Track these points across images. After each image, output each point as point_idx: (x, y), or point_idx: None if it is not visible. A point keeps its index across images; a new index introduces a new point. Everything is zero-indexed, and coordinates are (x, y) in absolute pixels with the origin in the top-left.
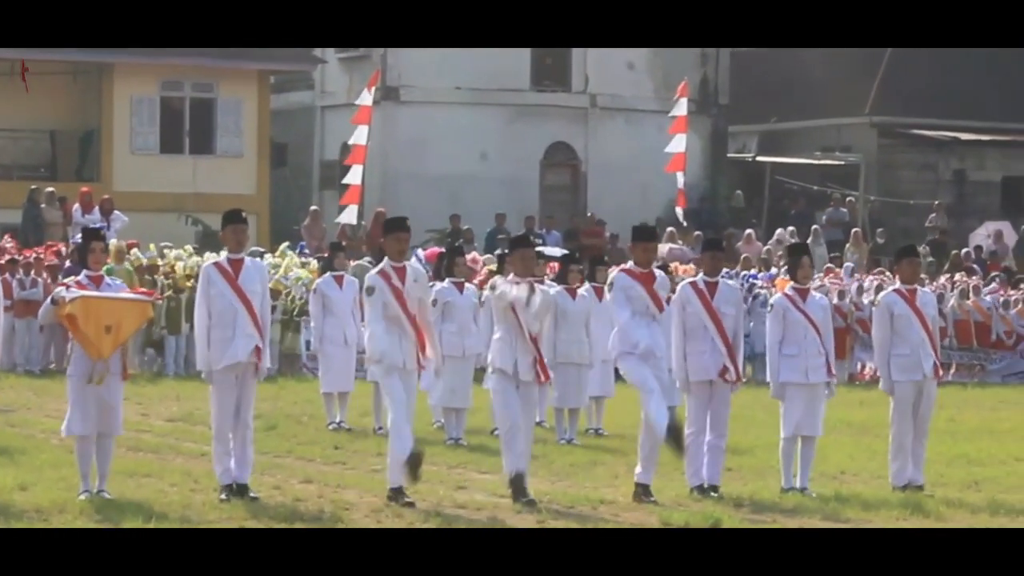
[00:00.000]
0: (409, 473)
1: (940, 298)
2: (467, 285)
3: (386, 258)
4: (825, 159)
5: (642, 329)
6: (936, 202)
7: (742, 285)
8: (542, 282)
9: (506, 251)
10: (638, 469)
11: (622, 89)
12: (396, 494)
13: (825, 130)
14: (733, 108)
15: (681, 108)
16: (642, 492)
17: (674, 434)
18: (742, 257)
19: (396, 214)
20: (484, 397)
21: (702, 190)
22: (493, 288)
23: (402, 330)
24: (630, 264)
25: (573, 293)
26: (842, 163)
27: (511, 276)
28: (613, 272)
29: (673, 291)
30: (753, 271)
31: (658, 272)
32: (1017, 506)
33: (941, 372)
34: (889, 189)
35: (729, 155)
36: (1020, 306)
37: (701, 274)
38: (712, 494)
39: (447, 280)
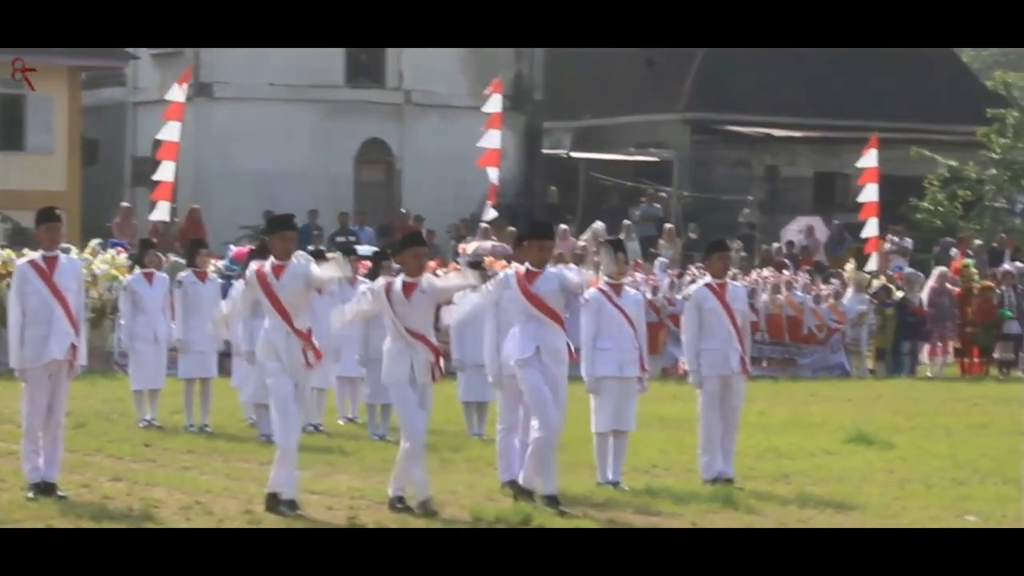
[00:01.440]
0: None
1: (752, 293)
2: None
3: (271, 257)
4: (639, 155)
5: (536, 332)
6: (749, 198)
7: None
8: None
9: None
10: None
11: (436, 86)
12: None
13: (639, 126)
14: (548, 105)
15: (495, 105)
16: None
17: None
18: (556, 253)
19: (210, 210)
20: None
21: (517, 186)
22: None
23: (285, 331)
24: (525, 266)
25: None
26: (656, 159)
27: (401, 276)
28: (503, 274)
29: None
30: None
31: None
32: (825, 498)
33: (749, 368)
34: (702, 185)
35: (544, 151)
36: (831, 300)
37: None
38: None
39: None
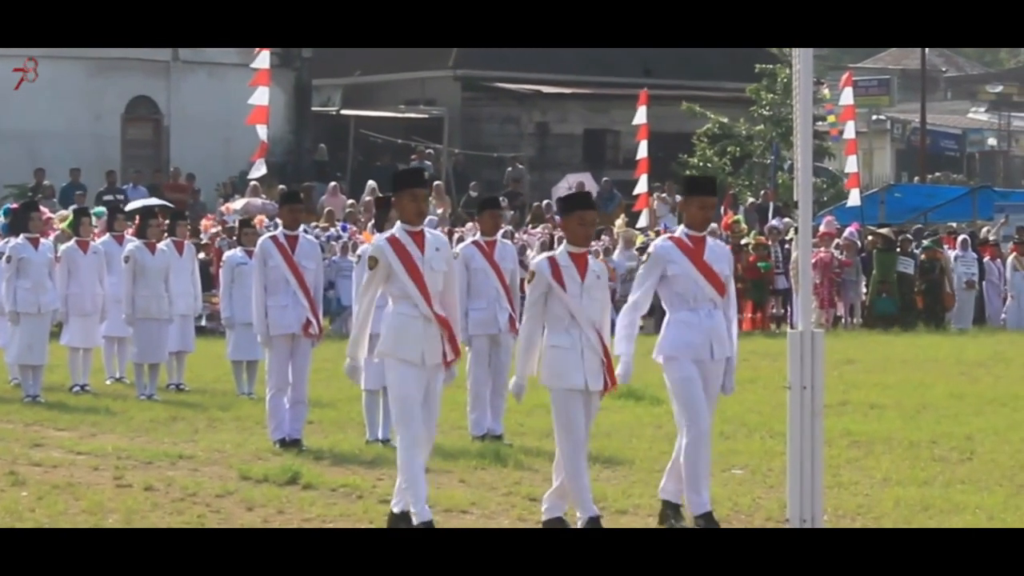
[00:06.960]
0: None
1: (523, 250)
2: (43, 240)
3: (399, 223)
4: (409, 112)
5: (695, 323)
6: (518, 154)
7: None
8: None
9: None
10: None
11: None
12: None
13: (409, 83)
14: (317, 61)
15: (263, 61)
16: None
17: None
18: (325, 211)
19: None
20: (60, 354)
21: (286, 144)
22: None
23: (423, 315)
24: (680, 230)
25: (152, 248)
26: (426, 116)
27: (564, 247)
28: (656, 241)
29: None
30: (341, 223)
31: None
32: (595, 453)
33: (518, 325)
34: (473, 142)
35: (313, 108)
36: (601, 256)
37: (282, 228)
38: (294, 448)
39: (22, 236)
